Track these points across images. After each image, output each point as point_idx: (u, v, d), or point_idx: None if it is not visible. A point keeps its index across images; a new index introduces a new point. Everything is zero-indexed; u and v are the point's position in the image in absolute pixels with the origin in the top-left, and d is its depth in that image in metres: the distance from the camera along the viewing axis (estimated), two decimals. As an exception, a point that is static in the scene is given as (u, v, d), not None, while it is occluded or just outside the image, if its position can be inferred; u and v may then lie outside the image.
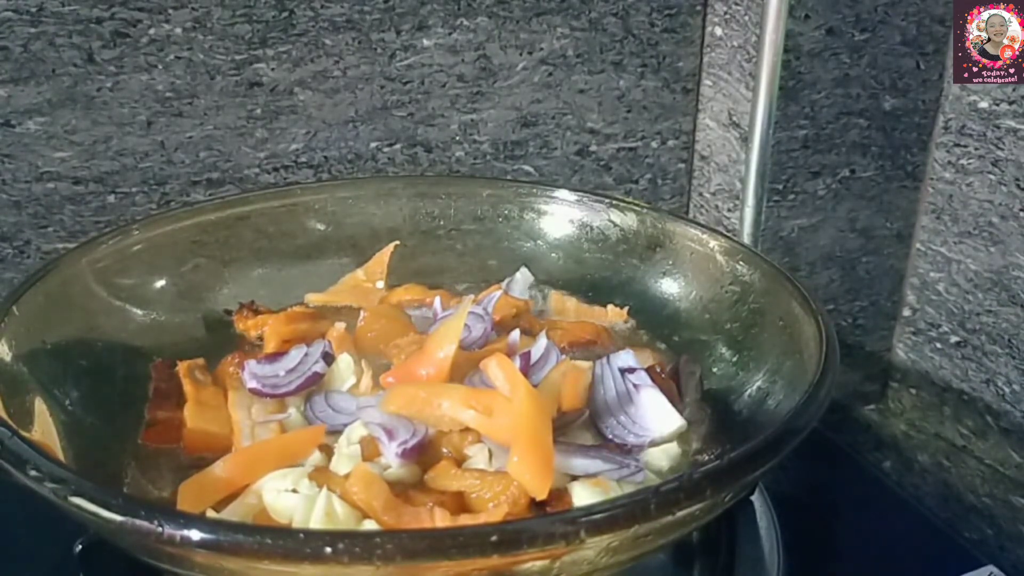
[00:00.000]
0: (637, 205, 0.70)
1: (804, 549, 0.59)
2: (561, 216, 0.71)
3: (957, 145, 0.82)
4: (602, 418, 0.53)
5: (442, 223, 0.72)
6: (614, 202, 0.70)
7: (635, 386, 0.55)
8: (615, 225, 0.69)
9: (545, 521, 0.38)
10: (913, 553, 0.63)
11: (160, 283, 0.63)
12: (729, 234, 0.74)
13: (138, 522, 0.36)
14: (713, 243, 0.64)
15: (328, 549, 0.35)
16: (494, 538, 0.36)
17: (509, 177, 0.81)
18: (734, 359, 0.60)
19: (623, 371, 0.55)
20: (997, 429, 0.83)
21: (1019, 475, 0.82)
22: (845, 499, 0.68)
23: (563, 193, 0.71)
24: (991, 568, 0.60)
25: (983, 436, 0.84)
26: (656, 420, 0.53)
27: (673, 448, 0.53)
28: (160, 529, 0.36)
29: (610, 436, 0.52)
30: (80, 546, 0.46)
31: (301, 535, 0.37)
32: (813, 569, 0.60)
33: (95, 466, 0.49)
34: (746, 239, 0.81)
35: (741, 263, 0.62)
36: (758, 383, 0.56)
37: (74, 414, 0.52)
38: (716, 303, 0.63)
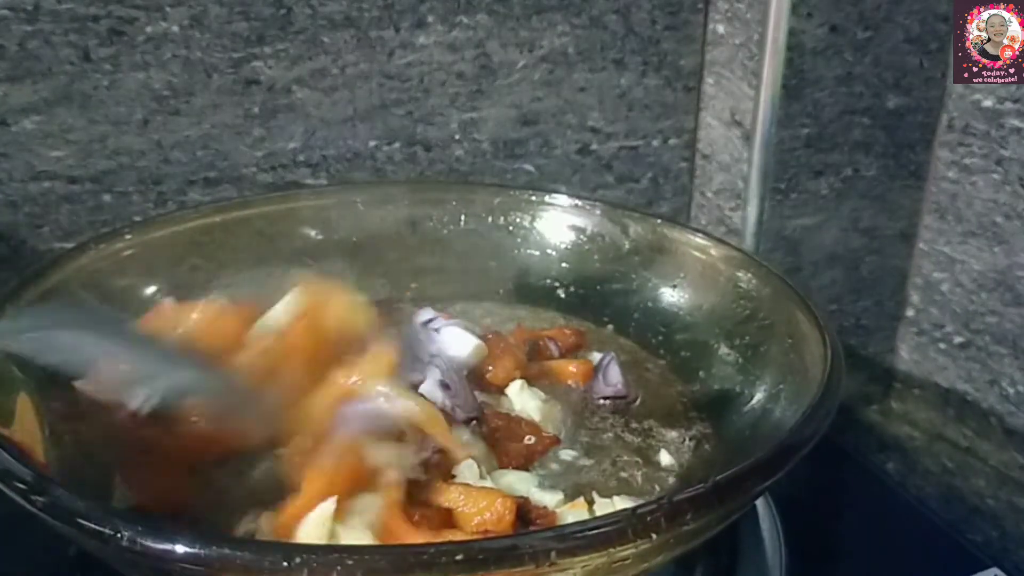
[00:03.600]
0: (638, 212, 0.69)
1: (807, 550, 0.59)
2: (560, 222, 0.70)
3: (961, 144, 0.82)
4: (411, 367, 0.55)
5: (440, 228, 0.71)
6: (613, 208, 0.69)
7: (435, 330, 0.60)
8: (614, 231, 0.68)
9: (514, 541, 0.37)
10: (917, 555, 0.63)
11: (151, 289, 0.63)
12: (733, 243, 0.73)
13: (98, 528, 0.36)
14: (716, 252, 0.63)
15: (284, 563, 0.34)
16: (459, 556, 0.35)
17: (509, 176, 0.81)
18: (737, 371, 0.59)
19: (424, 323, 0.61)
20: (1001, 430, 0.82)
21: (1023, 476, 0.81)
22: (848, 501, 0.68)
23: (562, 199, 0.70)
24: (995, 570, 0.60)
25: (987, 438, 0.84)
26: (455, 346, 0.58)
27: None
28: (119, 536, 0.35)
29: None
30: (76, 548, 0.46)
31: (260, 548, 0.36)
32: (816, 571, 0.60)
33: (81, 472, 0.49)
34: (748, 238, 0.80)
35: (747, 273, 0.61)
36: (760, 397, 0.55)
37: (63, 416, 0.51)
38: (720, 313, 0.62)
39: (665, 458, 0.54)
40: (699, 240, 0.65)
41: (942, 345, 0.87)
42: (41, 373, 0.52)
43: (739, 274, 0.61)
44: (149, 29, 0.68)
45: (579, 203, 0.70)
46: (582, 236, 0.70)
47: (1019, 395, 0.80)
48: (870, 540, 0.64)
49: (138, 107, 0.69)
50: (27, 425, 0.48)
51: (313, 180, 0.75)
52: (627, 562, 0.39)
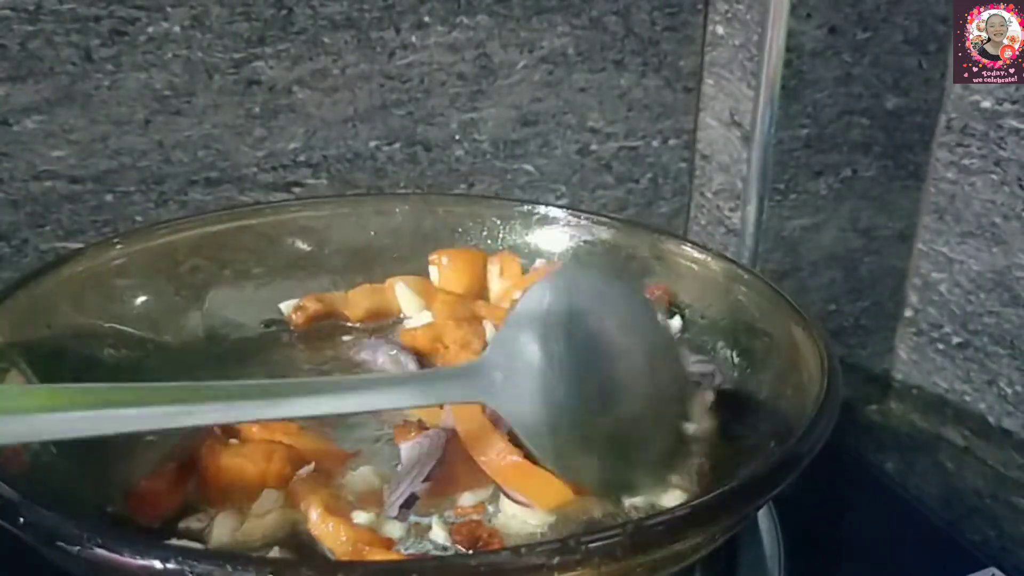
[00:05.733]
0: (635, 224, 0.69)
1: (806, 550, 0.59)
2: (556, 234, 0.70)
3: (960, 145, 0.82)
4: None
5: (436, 239, 0.71)
6: (609, 220, 0.69)
7: None
8: (610, 243, 0.68)
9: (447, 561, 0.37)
10: (915, 555, 0.63)
11: (142, 299, 0.62)
12: (731, 255, 0.73)
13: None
14: (715, 266, 0.63)
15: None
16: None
17: (509, 177, 0.81)
18: (734, 385, 0.59)
19: None
20: (999, 431, 0.83)
21: (1022, 476, 0.81)
22: (847, 500, 0.68)
23: (556, 211, 0.70)
24: (993, 570, 0.60)
25: (985, 438, 0.84)
26: None
27: None
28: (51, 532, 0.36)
29: None
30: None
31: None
32: (815, 570, 0.60)
33: (72, 468, 0.49)
34: (747, 239, 0.80)
35: (744, 287, 0.60)
36: (756, 412, 0.55)
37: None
38: (716, 327, 0.62)
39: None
40: (696, 254, 0.64)
41: (940, 345, 0.87)
42: (48, 362, 0.53)
43: (736, 288, 0.61)
44: (150, 29, 0.68)
45: (577, 216, 0.70)
46: (580, 247, 0.69)
47: (1017, 395, 0.80)
48: (868, 540, 0.64)
49: (139, 107, 0.69)
50: None
51: (314, 180, 0.76)
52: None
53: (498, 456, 0.48)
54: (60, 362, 0.55)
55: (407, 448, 0.49)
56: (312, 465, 0.49)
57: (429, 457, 0.47)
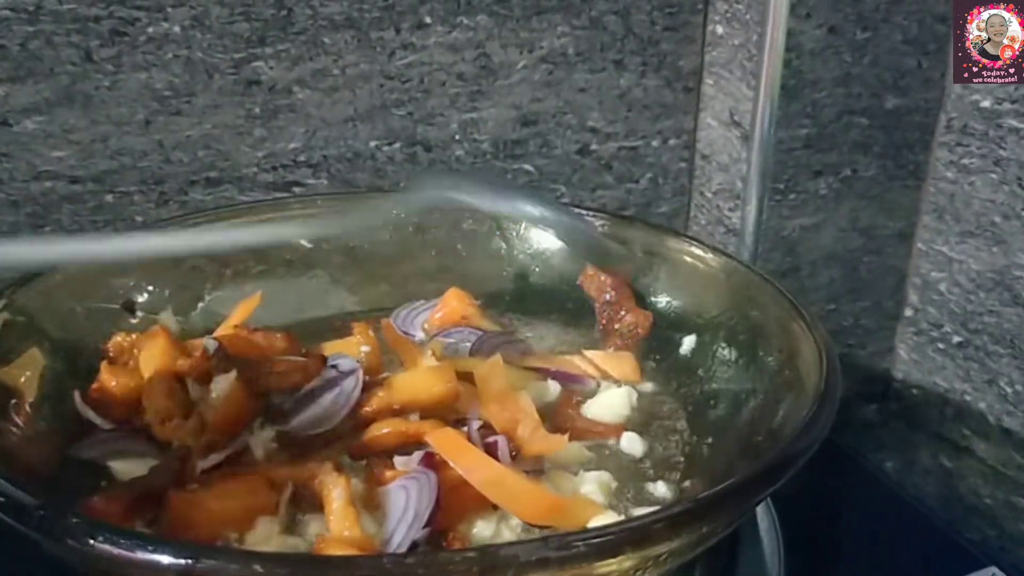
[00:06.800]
0: (638, 221, 0.69)
1: (805, 550, 0.59)
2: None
3: (959, 144, 0.82)
4: None
5: (434, 237, 0.71)
6: (611, 217, 0.69)
7: None
8: (613, 240, 0.68)
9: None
10: (915, 554, 0.63)
11: (141, 298, 0.63)
12: (731, 252, 0.73)
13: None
14: (714, 262, 0.63)
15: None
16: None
17: (509, 176, 0.81)
18: (734, 382, 0.59)
19: None
20: (999, 430, 0.83)
21: (1021, 476, 0.81)
22: (846, 500, 0.68)
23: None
24: (993, 569, 0.60)
25: (985, 437, 0.84)
26: None
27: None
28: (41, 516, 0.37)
29: None
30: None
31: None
32: (814, 570, 0.60)
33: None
34: (747, 239, 0.80)
35: (744, 284, 0.61)
36: (755, 411, 0.55)
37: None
38: (716, 324, 0.62)
39: (661, 488, 0.53)
40: (696, 250, 0.65)
41: (940, 345, 0.87)
42: (67, 346, 0.54)
43: (736, 284, 0.61)
44: (151, 30, 0.68)
45: (580, 212, 0.70)
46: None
47: (1017, 394, 0.80)
48: (868, 539, 0.64)
49: (140, 107, 0.69)
50: (22, 374, 0.50)
51: (314, 180, 0.76)
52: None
53: (481, 468, 0.47)
54: (81, 346, 0.56)
55: (393, 492, 0.47)
56: (290, 487, 0.48)
57: (425, 502, 0.46)
